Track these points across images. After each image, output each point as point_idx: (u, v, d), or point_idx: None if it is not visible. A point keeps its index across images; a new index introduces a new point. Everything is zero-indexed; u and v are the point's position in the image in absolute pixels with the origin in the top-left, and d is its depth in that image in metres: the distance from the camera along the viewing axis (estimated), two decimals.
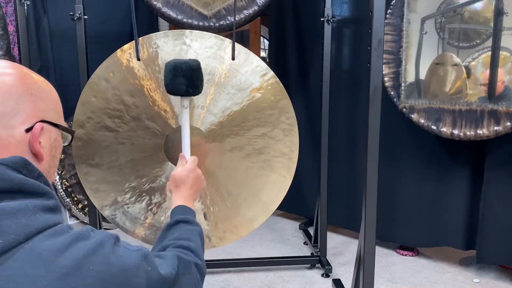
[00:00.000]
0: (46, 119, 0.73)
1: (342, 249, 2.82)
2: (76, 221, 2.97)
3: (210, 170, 1.90)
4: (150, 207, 1.94)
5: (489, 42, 2.15)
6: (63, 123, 0.79)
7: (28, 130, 0.70)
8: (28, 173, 0.66)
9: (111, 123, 1.84)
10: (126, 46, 1.84)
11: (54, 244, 0.61)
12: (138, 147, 1.88)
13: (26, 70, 0.74)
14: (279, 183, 1.93)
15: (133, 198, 1.92)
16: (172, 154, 1.87)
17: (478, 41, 2.21)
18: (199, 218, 1.93)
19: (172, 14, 2.21)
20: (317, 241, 2.58)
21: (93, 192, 1.91)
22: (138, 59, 1.82)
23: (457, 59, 2.26)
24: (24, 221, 0.60)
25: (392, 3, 2.36)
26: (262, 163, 1.92)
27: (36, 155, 0.72)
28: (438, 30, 2.33)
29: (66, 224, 0.66)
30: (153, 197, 1.93)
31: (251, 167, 1.92)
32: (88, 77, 1.92)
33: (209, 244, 1.96)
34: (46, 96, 0.75)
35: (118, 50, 1.84)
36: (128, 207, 1.93)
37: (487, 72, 2.15)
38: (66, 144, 0.82)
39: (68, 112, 1.97)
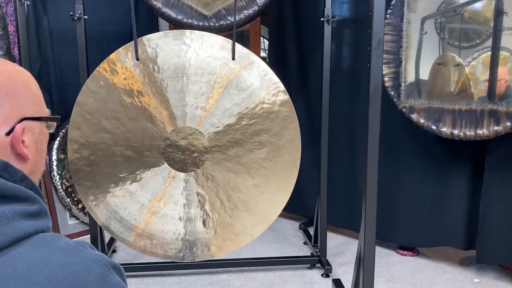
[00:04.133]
0: (27, 115, 0.68)
1: (342, 249, 2.82)
2: (76, 221, 2.97)
3: (209, 174, 1.89)
4: (146, 213, 1.90)
5: (489, 42, 2.14)
6: (45, 112, 0.73)
7: (8, 133, 0.65)
8: (10, 176, 0.61)
9: (109, 125, 1.83)
10: (124, 46, 1.84)
11: (30, 258, 0.54)
12: (136, 149, 1.86)
13: None
14: (281, 187, 1.91)
15: (129, 203, 1.89)
16: (170, 156, 1.86)
17: (478, 41, 2.21)
18: (198, 226, 1.90)
19: (172, 14, 2.21)
20: (317, 241, 2.58)
21: (88, 197, 1.88)
22: (137, 59, 1.82)
23: (459, 59, 2.26)
24: None
25: (392, 3, 2.36)
26: (263, 166, 1.90)
27: (21, 156, 0.67)
28: (438, 30, 2.33)
29: (51, 234, 0.60)
30: (150, 201, 1.90)
31: (251, 170, 1.90)
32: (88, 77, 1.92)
33: (208, 254, 1.92)
34: (24, 89, 0.69)
35: (117, 50, 1.84)
36: (124, 213, 1.90)
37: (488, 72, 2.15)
38: (52, 130, 0.77)
39: (68, 111, 1.97)
